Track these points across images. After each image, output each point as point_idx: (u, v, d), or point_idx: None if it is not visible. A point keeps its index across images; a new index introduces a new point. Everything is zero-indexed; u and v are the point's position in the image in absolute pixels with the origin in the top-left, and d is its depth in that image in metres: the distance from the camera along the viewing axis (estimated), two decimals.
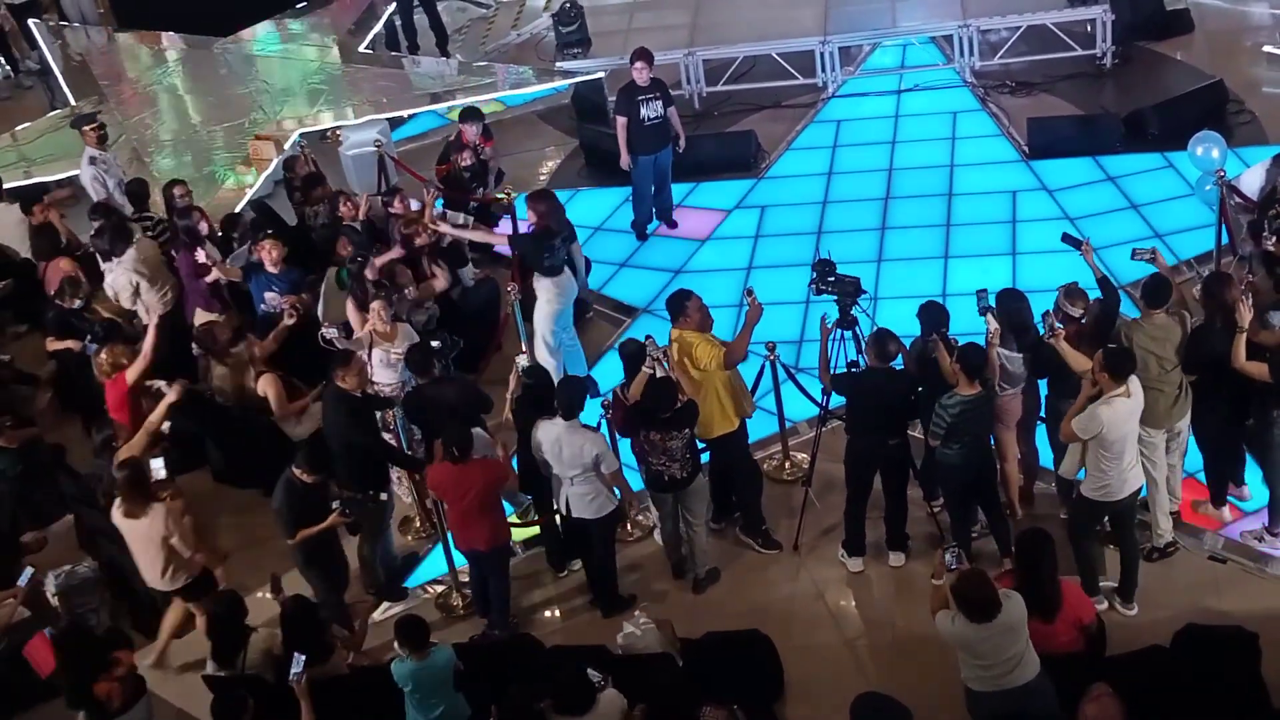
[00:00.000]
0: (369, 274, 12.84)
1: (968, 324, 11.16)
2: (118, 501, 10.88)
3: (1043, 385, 11.08)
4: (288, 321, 12.63)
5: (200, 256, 13.35)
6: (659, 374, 10.93)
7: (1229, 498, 11.34)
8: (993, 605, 8.54)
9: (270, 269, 13.22)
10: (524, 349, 12.95)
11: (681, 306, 11.37)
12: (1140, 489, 10.38)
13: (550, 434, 10.78)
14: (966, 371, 10.20)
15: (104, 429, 11.83)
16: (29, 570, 11.14)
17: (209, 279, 13.40)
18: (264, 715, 9.22)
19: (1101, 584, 10.64)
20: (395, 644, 9.61)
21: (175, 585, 11.06)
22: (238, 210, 15.50)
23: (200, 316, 13.33)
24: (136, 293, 13.81)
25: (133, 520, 10.80)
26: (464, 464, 10.60)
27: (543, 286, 13.20)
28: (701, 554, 11.48)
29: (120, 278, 13.77)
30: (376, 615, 11.55)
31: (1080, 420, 9.98)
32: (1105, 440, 9.95)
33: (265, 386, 12.22)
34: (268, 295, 13.16)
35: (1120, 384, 9.87)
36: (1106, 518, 10.53)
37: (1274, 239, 11.56)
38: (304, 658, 9.27)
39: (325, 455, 10.82)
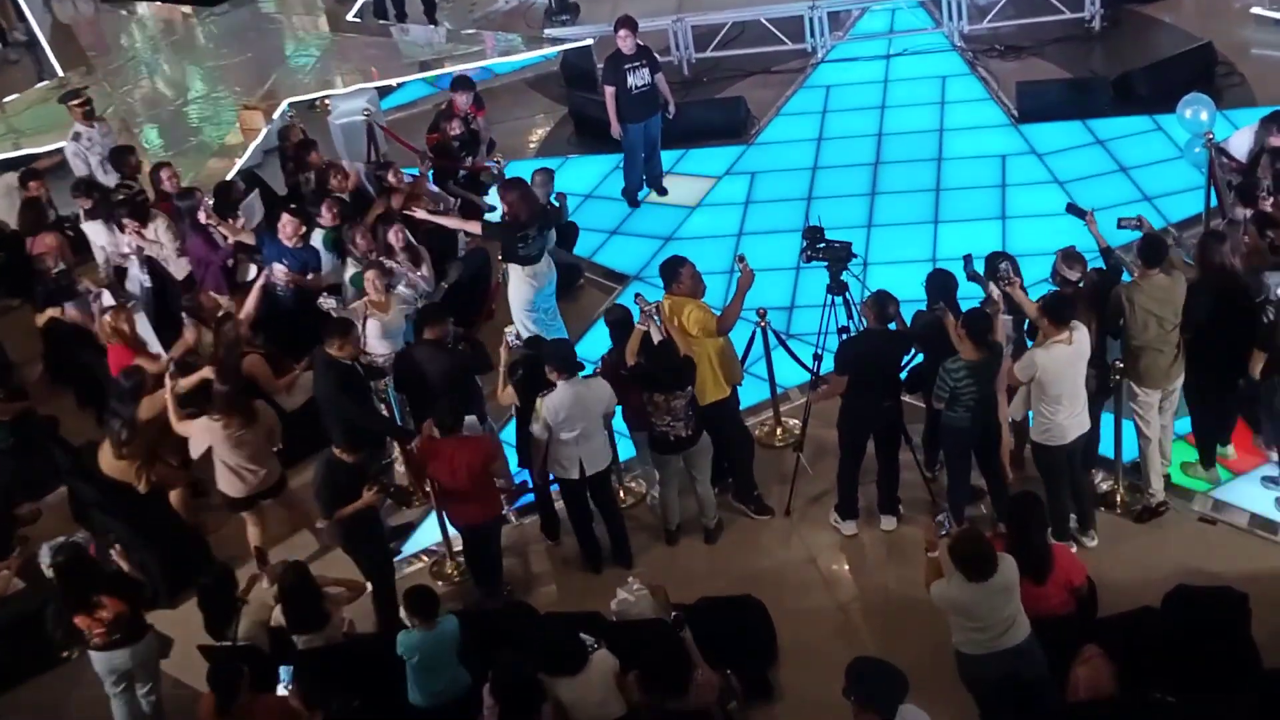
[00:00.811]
0: (361, 241, 12.87)
1: (966, 289, 11.18)
2: (219, 421, 11.05)
3: None
4: (262, 281, 12.74)
5: (202, 217, 13.39)
6: (654, 333, 10.97)
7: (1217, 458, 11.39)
8: (989, 562, 8.56)
9: (285, 242, 13.23)
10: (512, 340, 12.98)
11: (675, 273, 11.36)
12: (1084, 433, 10.47)
13: (565, 397, 10.75)
14: (970, 336, 10.22)
15: (132, 376, 11.73)
16: (45, 546, 11.20)
17: (227, 241, 13.46)
18: (259, 685, 9.25)
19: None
20: (402, 613, 9.66)
21: (266, 485, 11.39)
22: (228, 179, 15.50)
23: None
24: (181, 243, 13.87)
25: (245, 430, 11.13)
26: (455, 440, 10.62)
27: (515, 274, 13.08)
28: (709, 506, 11.57)
29: (165, 233, 13.73)
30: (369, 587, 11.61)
31: (1019, 363, 10.16)
32: (1043, 384, 10.10)
33: (250, 367, 12.23)
34: (276, 266, 13.17)
35: (1061, 330, 9.99)
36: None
37: (1271, 200, 11.58)
38: (291, 668, 9.28)
39: (365, 434, 10.74)
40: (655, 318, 11.03)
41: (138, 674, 10.33)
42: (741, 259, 11.43)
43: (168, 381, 11.47)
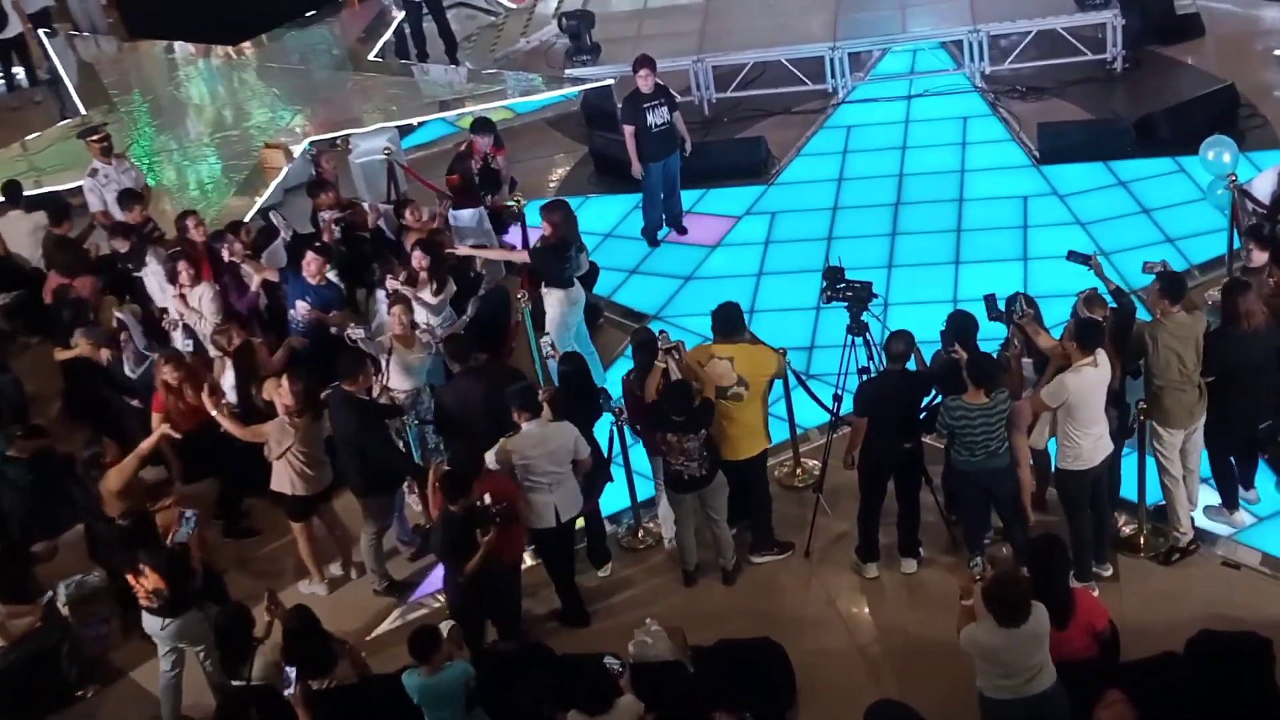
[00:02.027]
0: (391, 283, 12.91)
1: (986, 330, 11.13)
2: (300, 419, 11.33)
3: None
4: (293, 344, 12.81)
5: (226, 255, 13.41)
6: (672, 371, 10.96)
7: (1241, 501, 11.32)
8: (1023, 608, 8.50)
9: (309, 280, 13.21)
10: (543, 341, 12.97)
11: (743, 321, 11.41)
12: (1108, 456, 10.46)
13: (531, 438, 10.75)
14: (972, 379, 10.20)
15: (93, 445, 11.80)
16: (50, 594, 11.27)
17: (253, 282, 13.48)
18: None
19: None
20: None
21: (328, 482, 11.74)
22: (246, 219, 15.54)
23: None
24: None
25: (315, 424, 11.47)
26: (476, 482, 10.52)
27: (554, 298, 13.19)
28: (727, 547, 11.51)
29: (208, 304, 13.30)
30: (385, 625, 11.56)
31: (1049, 389, 10.15)
32: (1072, 408, 10.11)
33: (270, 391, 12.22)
34: (299, 303, 13.16)
35: (1088, 355, 10.04)
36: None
37: None
38: (294, 670, 9.24)
39: (466, 479, 10.62)
40: (675, 356, 11.02)
41: (183, 643, 10.75)
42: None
43: (206, 399, 11.66)
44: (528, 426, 10.75)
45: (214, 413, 11.59)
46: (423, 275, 12.97)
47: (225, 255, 13.50)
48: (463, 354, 11.69)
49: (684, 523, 11.42)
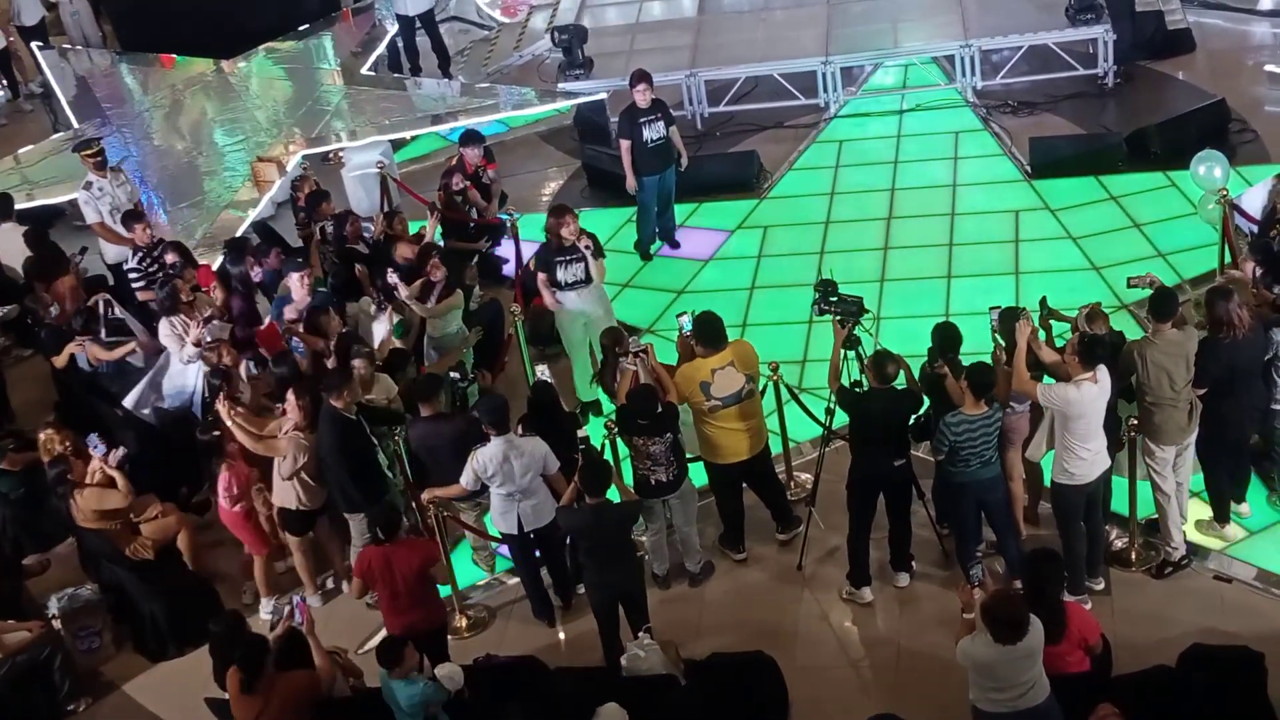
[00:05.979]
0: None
1: (975, 343, 11.16)
2: (311, 435, 11.32)
3: None
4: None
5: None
6: (642, 374, 11.06)
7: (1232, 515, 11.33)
8: (1021, 627, 8.51)
9: (296, 297, 13.14)
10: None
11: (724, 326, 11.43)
12: (1105, 471, 10.50)
13: (494, 454, 10.78)
14: (973, 390, 10.20)
15: (57, 465, 11.75)
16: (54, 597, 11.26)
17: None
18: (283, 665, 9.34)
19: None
20: None
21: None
22: (239, 234, 15.55)
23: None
24: None
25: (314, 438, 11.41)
26: (393, 545, 10.42)
27: (601, 290, 13.43)
28: (694, 552, 11.59)
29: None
30: (376, 638, 11.53)
31: (1051, 389, 10.18)
32: (1069, 420, 10.14)
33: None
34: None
35: (1089, 370, 10.06)
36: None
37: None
38: (300, 598, 9.51)
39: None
40: (643, 360, 11.17)
41: None
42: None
43: (222, 407, 11.57)
44: (493, 441, 10.80)
45: (228, 422, 11.55)
46: (439, 286, 13.11)
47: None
48: (431, 396, 11.61)
49: (653, 527, 11.48)
